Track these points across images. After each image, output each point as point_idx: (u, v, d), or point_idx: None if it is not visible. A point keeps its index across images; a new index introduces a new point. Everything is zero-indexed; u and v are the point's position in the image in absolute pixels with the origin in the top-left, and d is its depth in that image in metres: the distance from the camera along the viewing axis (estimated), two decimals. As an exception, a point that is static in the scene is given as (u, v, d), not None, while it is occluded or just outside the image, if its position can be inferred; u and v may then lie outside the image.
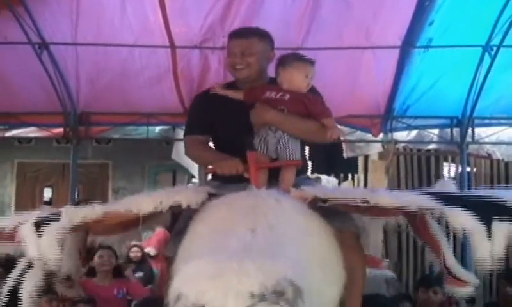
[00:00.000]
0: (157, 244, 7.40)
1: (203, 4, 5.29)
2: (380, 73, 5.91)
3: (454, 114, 6.44)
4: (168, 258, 3.04)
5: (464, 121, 6.37)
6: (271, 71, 3.39)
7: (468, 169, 7.11)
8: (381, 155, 7.62)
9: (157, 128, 6.75)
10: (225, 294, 1.89)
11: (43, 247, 2.58)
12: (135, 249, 7.19)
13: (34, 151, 10.88)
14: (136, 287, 5.69)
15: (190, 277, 1.98)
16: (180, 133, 6.04)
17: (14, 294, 2.83)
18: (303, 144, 3.34)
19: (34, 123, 6.59)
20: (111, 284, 5.40)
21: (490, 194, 2.77)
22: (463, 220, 2.47)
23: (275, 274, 1.93)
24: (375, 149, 7.24)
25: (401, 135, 6.72)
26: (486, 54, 5.59)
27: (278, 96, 3.14)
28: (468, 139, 6.50)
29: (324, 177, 8.91)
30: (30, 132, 6.82)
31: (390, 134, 6.55)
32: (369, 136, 6.67)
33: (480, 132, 6.59)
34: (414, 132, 6.72)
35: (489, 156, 7.29)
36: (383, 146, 6.95)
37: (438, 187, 3.08)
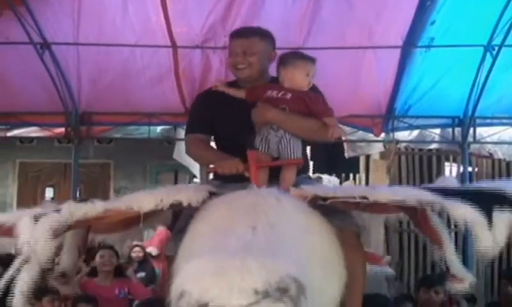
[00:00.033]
0: (159, 243, 7.40)
1: (205, 5, 5.30)
2: (381, 72, 5.92)
3: (456, 114, 6.44)
4: (168, 257, 3.04)
5: (465, 121, 6.37)
6: (272, 71, 3.39)
7: (470, 168, 7.12)
8: (383, 155, 7.62)
9: (159, 128, 6.75)
10: (229, 291, 1.89)
11: (35, 236, 2.58)
12: (137, 249, 7.18)
13: (36, 151, 10.89)
14: (138, 287, 5.69)
15: (193, 275, 1.98)
16: (182, 133, 6.05)
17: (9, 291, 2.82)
18: (305, 143, 3.34)
19: (35, 123, 6.60)
20: (112, 284, 5.40)
21: (490, 186, 2.78)
22: (464, 212, 2.47)
23: (278, 270, 1.93)
24: (376, 149, 7.24)
25: (403, 135, 6.72)
26: (488, 54, 5.59)
27: (279, 95, 3.14)
28: (470, 138, 6.50)
29: (325, 177, 8.91)
30: (32, 131, 6.83)
31: (391, 134, 6.56)
32: (371, 136, 6.67)
33: (482, 131, 6.60)
34: (415, 132, 6.72)
35: (490, 156, 7.29)
36: (385, 146, 6.95)
37: (439, 184, 3.09)
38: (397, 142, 6.77)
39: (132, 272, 6.40)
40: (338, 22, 5.42)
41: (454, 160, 7.71)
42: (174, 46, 5.65)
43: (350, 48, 5.62)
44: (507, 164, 7.82)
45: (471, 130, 6.44)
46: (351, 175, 9.19)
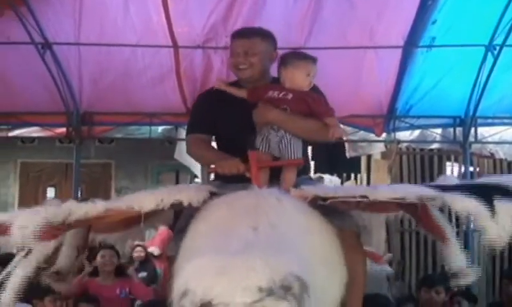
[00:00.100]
0: (161, 243, 7.39)
1: (206, 5, 5.31)
2: (383, 72, 5.92)
3: (457, 114, 6.44)
4: (169, 256, 3.04)
5: (467, 121, 6.37)
6: (273, 71, 3.39)
7: (471, 168, 7.11)
8: (384, 155, 7.62)
9: (160, 128, 6.76)
10: (233, 288, 1.88)
11: (28, 223, 2.59)
12: (138, 248, 7.18)
13: (37, 151, 10.90)
14: (139, 287, 5.69)
15: (196, 273, 1.97)
16: (183, 133, 6.05)
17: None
18: (306, 143, 3.34)
19: (37, 123, 6.61)
20: (113, 283, 5.40)
21: (489, 180, 2.77)
22: (465, 204, 2.46)
23: (282, 268, 1.93)
24: (378, 149, 7.25)
25: (404, 135, 6.73)
26: (489, 54, 5.59)
27: (280, 95, 3.14)
28: (471, 138, 6.50)
29: (326, 177, 8.90)
30: (33, 131, 6.84)
31: (392, 134, 6.56)
32: (372, 136, 6.68)
33: (483, 131, 6.60)
34: (417, 132, 6.73)
35: (492, 155, 7.29)
36: (386, 146, 6.96)
37: (439, 182, 3.09)
38: (399, 142, 6.77)
39: (133, 270, 6.40)
40: (339, 22, 5.43)
41: (456, 160, 7.70)
42: (175, 46, 5.65)
43: (351, 48, 5.63)
44: (509, 163, 7.80)
45: (472, 129, 6.44)
46: (353, 175, 9.18)
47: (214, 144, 3.48)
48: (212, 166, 3.24)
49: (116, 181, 11.38)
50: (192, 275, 1.98)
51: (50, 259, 3.03)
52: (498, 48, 5.50)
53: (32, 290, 4.45)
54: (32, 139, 9.70)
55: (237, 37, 3.39)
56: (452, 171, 7.66)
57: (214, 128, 3.37)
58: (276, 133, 3.11)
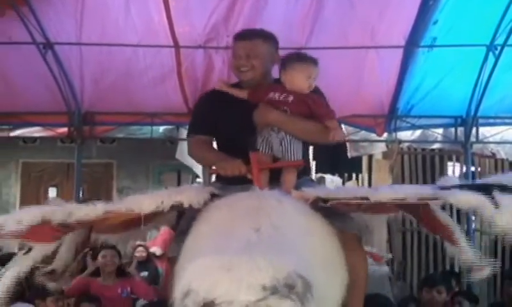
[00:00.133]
0: (163, 243, 7.40)
1: (207, 4, 5.30)
2: (384, 72, 5.92)
3: (458, 114, 6.44)
4: (170, 258, 3.04)
5: (468, 121, 6.37)
6: (275, 72, 3.39)
7: (473, 168, 7.10)
8: (385, 155, 7.62)
9: (161, 128, 6.76)
10: (237, 287, 1.88)
11: (21, 218, 2.63)
12: (140, 248, 7.19)
13: (39, 150, 10.90)
14: (140, 285, 5.69)
15: (199, 273, 1.97)
16: (184, 133, 6.05)
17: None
18: (307, 144, 3.34)
19: (38, 122, 6.61)
20: (115, 283, 5.41)
21: (488, 179, 2.78)
22: (467, 198, 2.47)
23: (285, 267, 1.93)
24: (379, 149, 7.24)
25: (405, 135, 6.73)
26: (490, 54, 5.59)
27: (281, 97, 3.14)
28: (473, 138, 6.50)
29: (328, 177, 8.91)
30: (34, 131, 6.84)
31: (394, 134, 6.56)
32: (373, 136, 6.68)
33: (485, 131, 6.60)
34: (418, 132, 6.73)
35: (493, 155, 7.29)
36: (387, 146, 6.96)
37: (440, 183, 3.09)
38: (400, 142, 6.77)
39: (134, 268, 6.39)
40: (340, 22, 5.42)
41: (457, 160, 7.71)
42: (176, 46, 5.65)
43: (352, 48, 5.62)
44: (510, 163, 7.80)
45: (473, 129, 6.44)
46: (354, 175, 9.18)
47: (214, 144, 3.49)
48: (214, 167, 3.24)
49: (118, 181, 11.39)
50: (194, 275, 1.98)
51: (49, 259, 3.03)
52: (499, 48, 5.49)
53: (35, 290, 4.50)
54: (33, 139, 9.69)
55: (239, 39, 3.39)
56: (454, 171, 7.66)
57: (215, 129, 3.37)
58: (277, 134, 3.11)
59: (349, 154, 6.98)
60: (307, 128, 3.14)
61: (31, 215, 2.65)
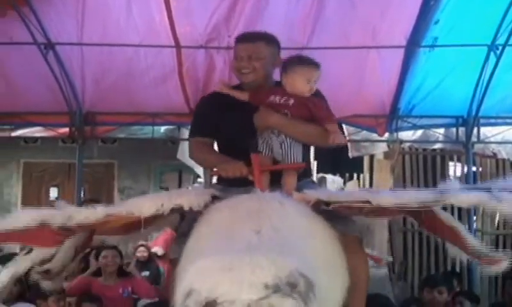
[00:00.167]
0: (164, 243, 7.41)
1: (208, 4, 5.30)
2: (385, 72, 5.91)
3: (460, 114, 6.43)
4: (172, 259, 3.04)
5: (469, 121, 6.37)
6: (276, 75, 3.39)
7: (474, 168, 7.10)
8: (387, 155, 7.61)
9: (163, 128, 6.77)
10: (239, 286, 1.87)
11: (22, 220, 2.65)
12: (141, 248, 7.20)
13: (40, 151, 10.91)
14: (141, 284, 5.69)
15: (201, 273, 1.97)
16: (186, 133, 6.06)
17: None
18: (308, 146, 3.34)
19: (40, 123, 6.61)
20: (116, 283, 5.42)
21: (486, 184, 2.79)
22: (468, 196, 2.49)
23: (287, 266, 1.93)
24: (380, 149, 7.24)
25: (406, 135, 6.72)
26: (492, 53, 5.58)
27: (282, 100, 3.14)
28: (474, 138, 6.50)
29: (329, 177, 8.90)
30: (36, 131, 6.85)
31: (395, 134, 6.56)
32: (374, 136, 6.67)
33: (486, 131, 6.59)
34: (419, 132, 6.72)
35: (494, 155, 7.29)
36: (389, 146, 6.95)
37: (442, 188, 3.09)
38: (401, 142, 6.77)
39: (134, 267, 6.38)
40: (341, 22, 5.42)
41: (458, 160, 7.69)
42: (178, 46, 5.65)
43: (354, 48, 5.62)
44: (511, 163, 7.80)
45: (475, 129, 6.43)
46: (355, 175, 9.17)
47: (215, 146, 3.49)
48: (215, 169, 3.24)
49: (119, 181, 11.40)
50: (196, 275, 1.98)
51: (47, 260, 3.03)
52: (500, 48, 5.48)
53: (36, 290, 4.49)
54: (35, 139, 9.72)
55: (241, 41, 3.38)
56: (455, 171, 7.65)
57: (216, 131, 3.37)
58: (277, 137, 3.11)
59: (351, 154, 6.97)
60: (307, 132, 3.14)
61: (28, 217, 2.65)
